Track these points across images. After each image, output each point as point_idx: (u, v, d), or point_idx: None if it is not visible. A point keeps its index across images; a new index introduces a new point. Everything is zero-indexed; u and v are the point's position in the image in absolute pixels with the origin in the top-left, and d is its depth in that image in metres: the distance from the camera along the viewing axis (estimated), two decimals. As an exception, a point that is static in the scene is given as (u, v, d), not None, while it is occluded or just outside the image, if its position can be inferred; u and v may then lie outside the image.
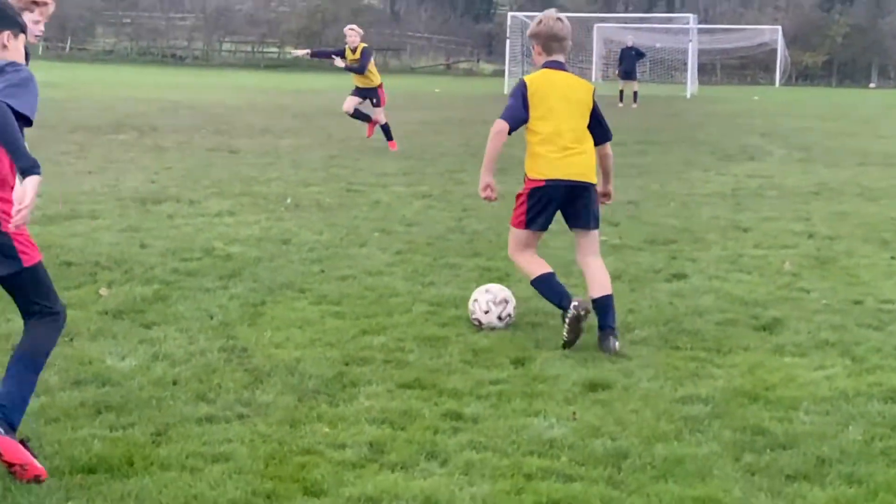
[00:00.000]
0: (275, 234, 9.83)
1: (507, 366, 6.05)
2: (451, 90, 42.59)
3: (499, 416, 5.24)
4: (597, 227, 6.78)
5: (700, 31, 53.06)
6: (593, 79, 52.02)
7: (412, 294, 7.68)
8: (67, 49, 62.55)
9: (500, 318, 6.82)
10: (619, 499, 4.34)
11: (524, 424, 5.11)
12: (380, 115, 18.16)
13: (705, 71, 60.80)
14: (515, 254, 6.86)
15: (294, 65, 56.48)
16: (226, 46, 68.64)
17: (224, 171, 14.35)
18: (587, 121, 6.69)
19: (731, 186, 14.08)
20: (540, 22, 6.74)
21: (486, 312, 6.84)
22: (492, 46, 68.83)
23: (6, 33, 4.58)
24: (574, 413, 5.27)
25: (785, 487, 4.48)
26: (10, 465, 4.31)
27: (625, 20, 57.75)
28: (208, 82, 41.48)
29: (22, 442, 4.44)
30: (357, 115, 18.33)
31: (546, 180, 6.57)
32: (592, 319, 6.52)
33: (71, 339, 6.22)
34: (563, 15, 6.83)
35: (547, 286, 6.68)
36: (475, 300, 6.91)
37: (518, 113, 6.56)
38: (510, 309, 6.86)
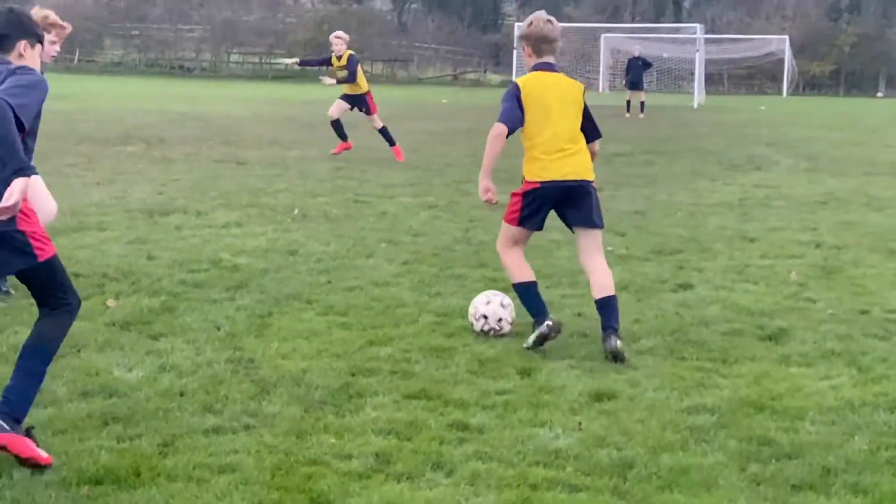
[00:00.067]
0: (282, 245, 9.86)
1: (513, 376, 6.06)
2: (458, 101, 42.64)
3: (504, 426, 5.24)
4: (598, 225, 6.78)
5: (707, 41, 53.05)
6: (600, 89, 52.19)
7: (419, 305, 7.69)
8: (76, 61, 62.76)
9: (502, 305, 6.90)
10: (624, 509, 4.34)
11: (530, 435, 5.12)
12: (375, 121, 18.01)
13: (712, 81, 60.80)
14: (503, 250, 6.91)
15: (302, 76, 56.54)
16: (233, 58, 68.77)
17: (231, 182, 14.38)
18: (580, 121, 6.74)
19: (738, 196, 14.08)
20: (531, 24, 6.78)
21: (488, 303, 6.93)
22: (499, 57, 68.92)
23: (23, 42, 4.85)
24: (580, 423, 5.28)
25: (790, 497, 4.48)
26: (16, 458, 4.51)
27: (632, 30, 57.82)
28: (216, 94, 41.58)
29: (28, 431, 4.61)
30: (336, 127, 18.01)
31: (542, 182, 6.62)
32: (596, 327, 6.54)
33: (78, 351, 6.25)
34: (553, 17, 6.88)
35: (528, 294, 6.76)
36: (472, 304, 7.03)
37: (514, 115, 6.60)
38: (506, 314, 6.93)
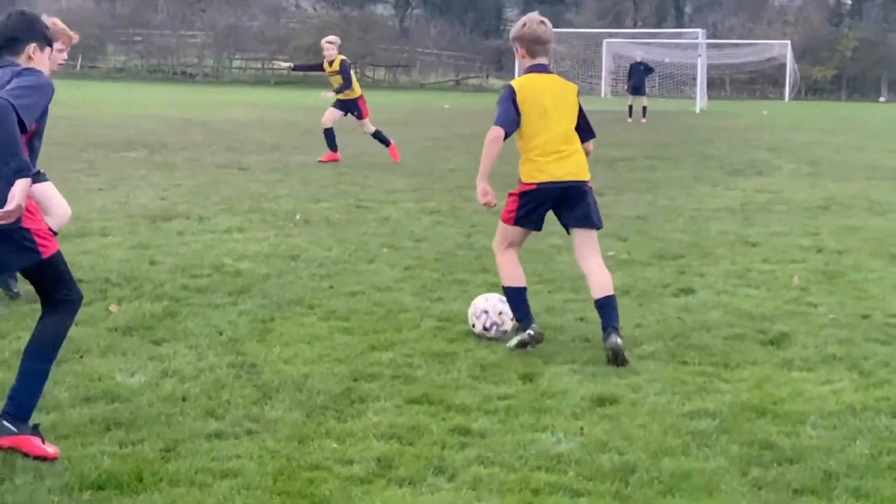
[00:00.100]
0: (284, 250, 9.87)
1: (515, 381, 6.07)
2: (460, 106, 42.66)
3: (506, 431, 5.25)
4: (597, 226, 6.82)
5: (709, 45, 53.14)
6: (602, 94, 52.21)
7: (420, 310, 7.70)
8: (78, 67, 62.78)
9: (502, 300, 6.95)
10: (626, 513, 4.35)
11: (532, 439, 5.13)
12: (367, 126, 17.97)
13: (714, 86, 60.82)
14: (499, 249, 6.95)
15: (304, 81, 56.57)
16: (236, 63, 68.82)
17: (233, 187, 14.40)
18: (575, 122, 6.77)
19: (740, 201, 14.08)
20: (524, 25, 6.80)
21: (487, 300, 7.02)
22: (501, 62, 68.88)
23: (33, 45, 4.92)
24: (582, 428, 5.29)
25: (792, 502, 4.49)
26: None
27: (634, 35, 57.88)
28: (218, 99, 41.63)
29: (34, 428, 4.76)
30: (328, 136, 17.93)
31: (539, 184, 6.66)
32: (597, 332, 6.55)
33: (81, 356, 6.26)
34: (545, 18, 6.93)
35: (516, 299, 6.81)
36: (472, 305, 7.12)
37: (511, 117, 6.63)
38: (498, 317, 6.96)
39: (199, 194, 13.58)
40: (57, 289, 4.90)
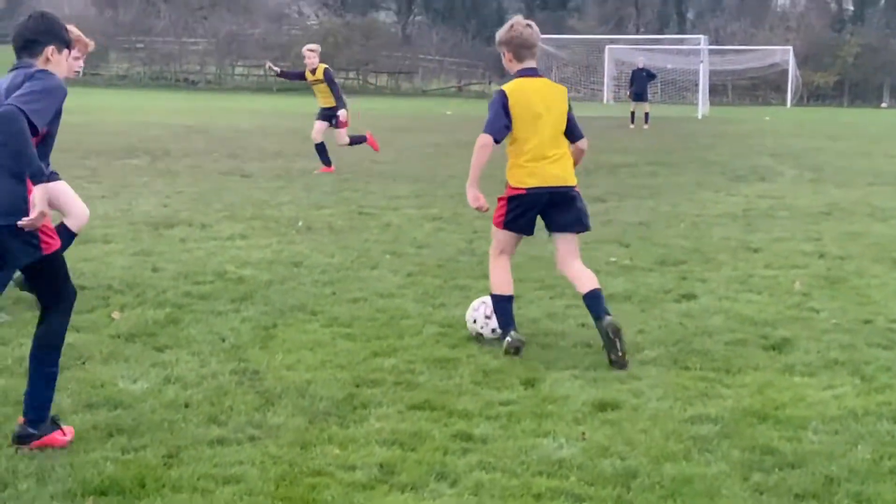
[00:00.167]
0: (286, 256, 9.88)
1: (516, 387, 6.07)
2: (462, 112, 42.68)
3: (508, 436, 5.26)
4: (588, 227, 6.89)
5: (711, 51, 53.13)
6: (605, 100, 52.24)
7: (423, 316, 7.71)
8: (81, 74, 62.81)
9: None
10: (627, 519, 4.36)
11: (534, 445, 5.13)
12: (341, 135, 17.70)
13: (716, 92, 60.87)
14: (493, 256, 7.00)
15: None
16: (238, 70, 68.90)
17: (236, 194, 14.42)
18: (564, 125, 6.79)
19: (742, 207, 14.09)
20: (511, 28, 6.82)
21: (483, 302, 7.07)
22: (503, 69, 68.96)
23: (51, 47, 4.98)
24: (583, 433, 5.29)
25: (793, 507, 4.49)
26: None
27: (636, 41, 57.86)
28: (221, 106, 41.68)
29: (54, 420, 4.95)
30: (320, 151, 17.72)
31: (528, 189, 6.69)
32: (598, 337, 6.57)
33: (83, 363, 6.27)
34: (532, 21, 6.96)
35: (503, 307, 6.85)
36: (470, 307, 7.17)
37: (501, 123, 6.66)
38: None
39: (201, 201, 13.60)
40: (56, 285, 4.98)
